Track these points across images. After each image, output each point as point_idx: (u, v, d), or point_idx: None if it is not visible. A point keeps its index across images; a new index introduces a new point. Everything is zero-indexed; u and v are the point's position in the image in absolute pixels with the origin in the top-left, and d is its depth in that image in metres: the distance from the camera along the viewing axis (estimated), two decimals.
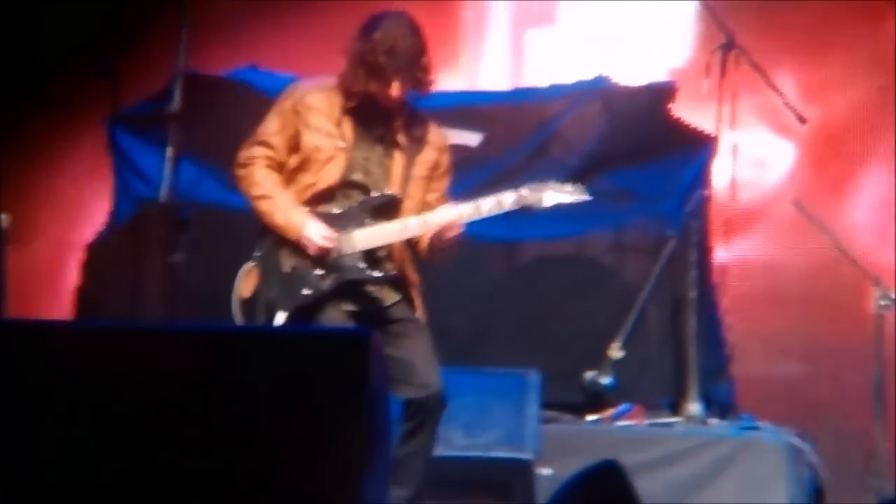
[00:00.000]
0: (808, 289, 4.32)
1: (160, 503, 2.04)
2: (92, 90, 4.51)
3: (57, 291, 4.37)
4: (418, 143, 3.11)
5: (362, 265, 3.04)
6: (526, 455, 3.38)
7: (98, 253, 4.26)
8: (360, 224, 3.06)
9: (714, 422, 3.82)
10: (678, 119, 4.14)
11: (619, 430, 3.76)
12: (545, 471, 3.35)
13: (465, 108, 4.17)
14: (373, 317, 3.05)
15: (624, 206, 4.09)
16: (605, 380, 3.86)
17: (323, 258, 3.04)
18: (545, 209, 3.04)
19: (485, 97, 4.29)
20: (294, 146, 3.10)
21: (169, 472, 2.05)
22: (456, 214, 3.05)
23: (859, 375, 4.02)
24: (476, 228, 4.03)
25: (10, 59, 4.42)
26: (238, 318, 3.08)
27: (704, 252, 3.99)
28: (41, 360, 2.07)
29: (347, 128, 3.09)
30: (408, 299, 3.11)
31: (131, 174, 4.31)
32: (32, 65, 4.47)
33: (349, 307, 3.04)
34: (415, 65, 3.03)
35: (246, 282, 3.11)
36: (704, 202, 3.99)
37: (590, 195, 4.18)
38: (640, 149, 4.12)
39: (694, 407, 3.81)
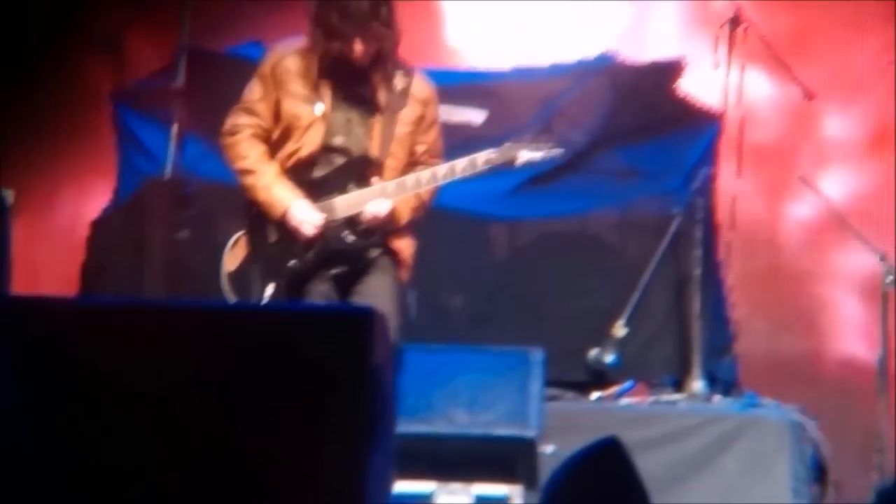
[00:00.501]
0: (813, 266, 4.31)
1: (163, 480, 2.05)
2: (96, 66, 4.49)
3: (61, 267, 4.37)
4: (400, 98, 3.04)
5: (346, 233, 3.02)
6: (529, 433, 3.39)
7: (102, 229, 4.25)
8: (342, 189, 3.02)
9: (717, 399, 3.82)
10: (685, 96, 4.11)
11: (623, 408, 3.76)
12: (548, 448, 3.36)
13: (470, 86, 4.15)
14: (357, 273, 3.04)
15: (629, 184, 4.07)
16: (609, 357, 3.87)
17: (311, 243, 3.02)
18: (518, 167, 3.01)
19: (489, 76, 4.27)
20: (277, 112, 3.06)
21: (170, 449, 2.06)
22: (430, 176, 3.02)
23: (864, 352, 4.02)
24: (480, 207, 4.04)
25: (14, 35, 4.40)
26: (226, 291, 3.08)
27: (710, 230, 3.98)
28: (46, 337, 2.07)
29: (326, 90, 3.03)
30: (391, 259, 3.07)
31: (135, 151, 4.30)
32: (36, 40, 4.45)
33: (336, 270, 3.02)
34: (371, 20, 2.95)
35: (232, 254, 3.09)
36: (710, 179, 3.98)
37: (594, 172, 4.16)
38: (645, 126, 4.10)
39: (697, 384, 3.81)
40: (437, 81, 4.07)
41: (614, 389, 3.88)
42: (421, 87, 3.11)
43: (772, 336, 4.30)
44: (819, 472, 3.72)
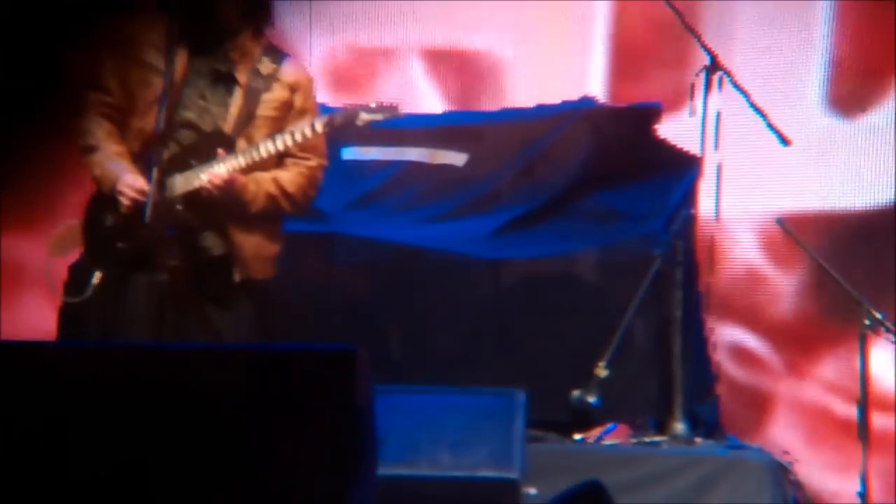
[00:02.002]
0: (794, 309, 4.34)
1: None
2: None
3: (41, 311, 4.34)
4: (266, 80, 2.86)
5: (179, 209, 2.80)
6: (512, 475, 3.37)
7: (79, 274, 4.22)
8: (185, 168, 2.82)
9: (699, 441, 3.83)
10: (663, 140, 4.17)
11: (605, 450, 3.76)
12: (531, 490, 3.34)
13: (451, 128, 4.19)
14: (197, 271, 2.83)
15: (610, 226, 4.11)
16: (592, 399, 3.87)
17: (130, 210, 2.78)
18: (358, 126, 2.87)
19: (470, 117, 4.31)
20: (124, 84, 2.86)
21: (156, 487, 2.03)
22: (267, 145, 2.81)
23: (844, 393, 4.04)
24: (463, 248, 4.06)
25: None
26: (48, 277, 2.91)
27: (690, 271, 4.01)
28: (28, 382, 2.06)
29: (180, 61, 2.80)
30: (231, 257, 2.87)
31: None
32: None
33: (172, 262, 2.79)
34: None
35: (60, 241, 2.93)
36: (690, 222, 4.02)
37: (575, 214, 4.18)
38: (625, 169, 4.14)
39: (679, 426, 3.82)
40: (418, 123, 4.11)
41: (597, 431, 3.88)
42: (291, 72, 2.92)
43: (754, 379, 4.32)
44: None
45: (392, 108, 2.87)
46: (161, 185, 2.78)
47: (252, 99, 2.86)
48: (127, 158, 2.87)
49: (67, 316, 2.90)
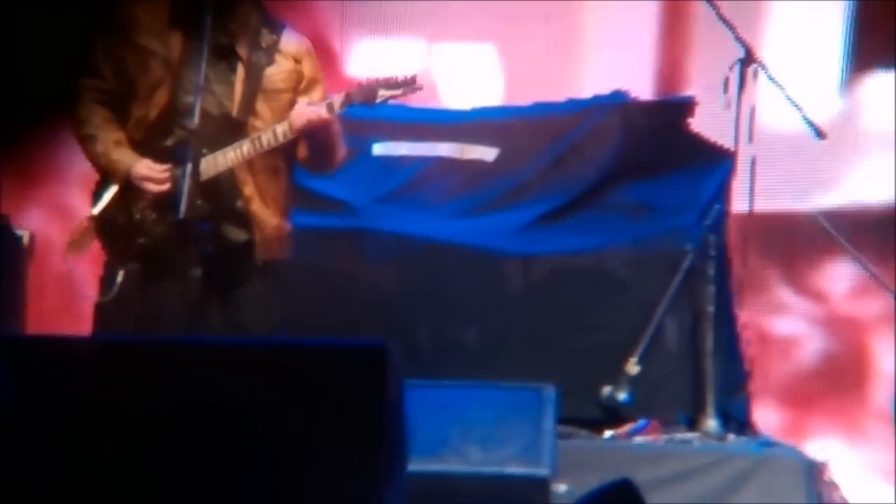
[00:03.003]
0: (829, 305, 4.29)
1: None
2: None
3: (75, 310, 4.37)
4: (268, 52, 2.76)
5: (199, 201, 2.68)
6: (542, 471, 3.35)
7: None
8: (198, 155, 2.68)
9: (731, 438, 3.79)
10: (696, 134, 4.13)
11: (636, 447, 3.73)
12: (561, 487, 3.32)
13: (482, 123, 4.17)
14: (219, 259, 2.75)
15: (642, 220, 4.08)
16: (622, 395, 3.84)
17: (160, 199, 2.69)
18: (377, 102, 2.78)
19: (501, 112, 4.29)
20: (121, 70, 2.74)
21: (188, 488, 2.04)
22: (285, 128, 2.72)
23: (881, 394, 3.98)
24: (493, 243, 4.04)
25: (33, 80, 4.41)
26: (69, 276, 2.92)
27: (723, 266, 3.97)
28: (62, 376, 2.06)
29: (177, 41, 2.70)
30: (253, 241, 2.79)
31: None
32: (33, 76, 4.45)
33: (195, 252, 2.70)
34: None
35: (79, 238, 2.84)
36: (723, 216, 3.98)
37: (607, 208, 4.13)
38: (658, 163, 4.11)
39: (711, 423, 3.78)
40: (449, 118, 4.08)
41: (628, 428, 3.85)
42: (291, 42, 2.82)
43: (787, 375, 4.27)
44: None
45: (410, 82, 2.78)
46: (196, 179, 2.68)
47: (256, 74, 2.76)
48: (128, 146, 2.76)
49: (101, 315, 2.88)
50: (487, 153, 4.13)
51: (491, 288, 4.09)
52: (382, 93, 2.78)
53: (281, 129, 2.78)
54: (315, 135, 2.78)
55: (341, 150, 2.91)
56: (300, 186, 3.17)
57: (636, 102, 4.19)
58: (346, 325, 3.87)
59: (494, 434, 3.36)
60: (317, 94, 2.90)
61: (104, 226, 2.84)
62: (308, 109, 2.77)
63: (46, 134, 4.41)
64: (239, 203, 2.81)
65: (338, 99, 2.79)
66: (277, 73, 2.82)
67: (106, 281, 2.82)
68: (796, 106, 3.96)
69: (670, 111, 4.16)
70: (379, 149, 4.05)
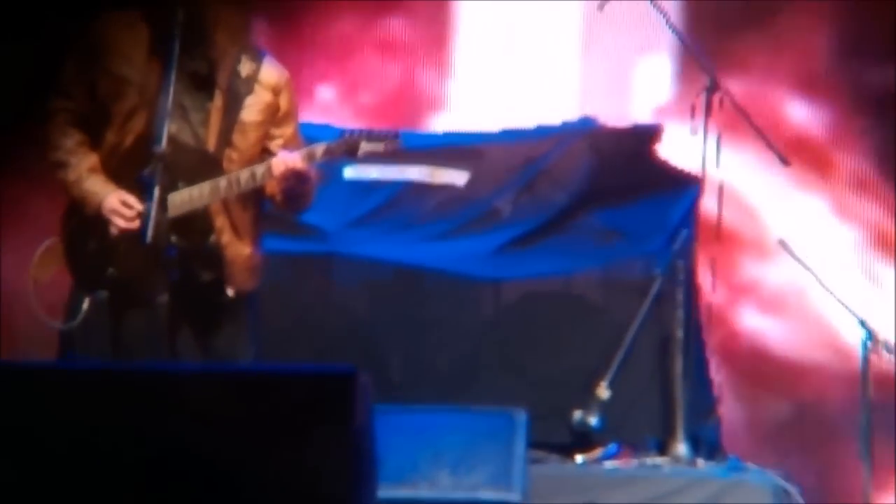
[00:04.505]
0: (794, 329, 4.33)
1: None
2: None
3: (42, 330, 4.32)
4: (245, 84, 2.72)
5: (172, 236, 2.67)
6: (513, 497, 3.35)
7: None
8: (171, 187, 2.66)
9: (701, 463, 3.81)
10: (664, 160, 4.17)
11: (607, 472, 3.74)
12: None
13: (453, 148, 4.20)
14: (190, 294, 2.72)
15: (611, 245, 4.10)
16: (593, 419, 3.85)
17: (128, 234, 2.66)
18: (359, 156, 2.79)
19: (472, 137, 4.31)
20: (93, 94, 2.68)
21: None
22: (265, 169, 2.70)
23: (846, 417, 4.02)
24: (463, 267, 4.05)
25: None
26: (32, 302, 2.77)
27: (691, 291, 4.01)
28: (26, 404, 2.04)
29: (154, 68, 2.65)
30: (226, 275, 2.76)
31: None
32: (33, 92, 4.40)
33: (163, 289, 2.66)
34: None
35: (43, 263, 2.79)
36: (691, 242, 4.01)
37: (576, 233, 4.16)
38: (626, 188, 4.15)
39: (681, 447, 3.80)
40: (420, 143, 4.10)
41: (599, 452, 3.85)
42: (271, 73, 2.78)
43: (754, 399, 4.30)
44: None
45: (393, 138, 2.78)
46: (162, 205, 2.66)
47: (234, 104, 2.73)
48: (101, 173, 2.73)
49: (65, 341, 2.84)
50: (458, 177, 4.14)
51: (462, 312, 4.09)
52: (364, 146, 2.76)
53: (260, 171, 2.76)
54: (292, 182, 2.77)
55: (312, 196, 2.90)
56: (270, 212, 3.16)
57: (605, 129, 4.24)
58: (317, 350, 3.85)
59: (465, 459, 3.36)
60: (289, 127, 2.88)
61: (72, 251, 2.80)
62: (289, 157, 2.75)
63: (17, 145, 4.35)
64: (212, 238, 2.80)
65: (319, 149, 2.77)
66: (255, 104, 2.80)
67: (71, 307, 2.79)
68: (760, 133, 4.02)
69: (638, 137, 4.20)
70: (350, 172, 4.05)
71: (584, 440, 3.88)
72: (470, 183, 4.14)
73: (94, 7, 2.85)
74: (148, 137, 2.66)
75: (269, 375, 2.31)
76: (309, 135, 3.03)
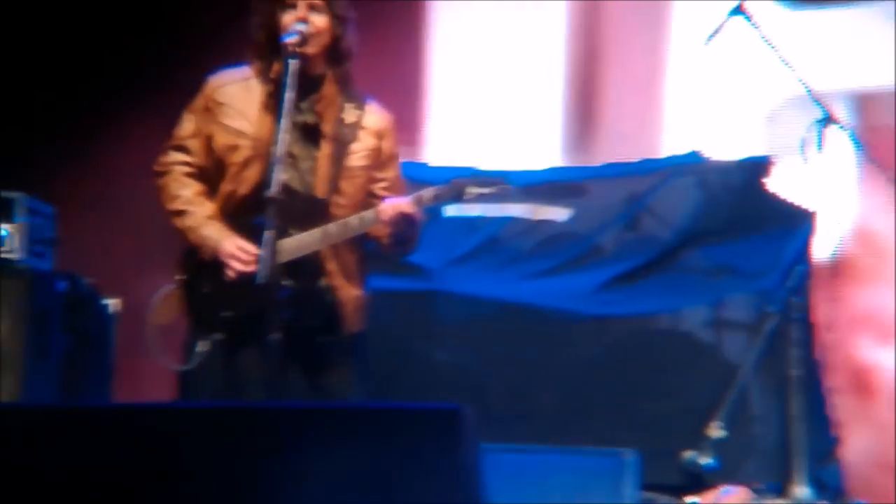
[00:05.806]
0: None
1: None
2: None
3: (164, 372, 4.41)
4: (351, 131, 2.82)
5: (284, 280, 2.74)
6: None
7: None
8: (283, 234, 2.74)
9: None
10: (775, 194, 4.05)
11: None
12: None
13: (557, 184, 4.16)
14: (302, 334, 2.78)
15: (721, 282, 4.00)
16: (706, 460, 3.73)
17: (244, 277, 2.75)
18: (469, 200, 2.78)
19: (576, 172, 4.28)
20: (209, 148, 2.83)
21: None
22: (373, 215, 2.78)
23: None
24: (567, 304, 3.99)
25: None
26: (152, 346, 2.85)
27: (808, 329, 3.86)
28: (145, 445, 2.06)
29: (267, 121, 2.78)
30: (337, 317, 2.83)
31: None
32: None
33: (277, 328, 2.68)
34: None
35: (163, 307, 2.87)
36: (806, 278, 3.88)
37: (683, 270, 4.06)
38: (736, 224, 4.04)
39: (803, 490, 3.64)
40: (524, 180, 4.07)
41: (713, 494, 3.72)
42: (375, 118, 2.88)
43: (877, 441, 4.10)
44: None
45: (501, 181, 2.79)
46: (275, 248, 2.72)
47: (340, 151, 2.83)
48: (219, 220, 2.85)
49: (183, 385, 2.92)
50: (560, 213, 4.11)
51: (567, 350, 4.03)
52: (471, 190, 2.78)
53: (368, 216, 2.83)
54: (401, 226, 2.82)
55: (418, 239, 2.94)
56: (375, 252, 3.19)
57: (711, 162, 4.15)
58: (420, 387, 3.85)
59: (572, 501, 3.28)
60: (393, 170, 2.94)
61: (190, 295, 2.89)
62: (399, 203, 2.81)
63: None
64: (323, 281, 2.86)
65: (428, 194, 2.81)
66: (360, 150, 2.88)
67: (188, 349, 2.87)
68: (881, 166, 3.86)
69: (747, 171, 4.10)
70: (452, 209, 4.06)
71: (695, 481, 3.76)
72: (573, 219, 4.10)
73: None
74: (262, 186, 2.76)
75: (374, 413, 2.30)
76: (410, 175, 3.09)
